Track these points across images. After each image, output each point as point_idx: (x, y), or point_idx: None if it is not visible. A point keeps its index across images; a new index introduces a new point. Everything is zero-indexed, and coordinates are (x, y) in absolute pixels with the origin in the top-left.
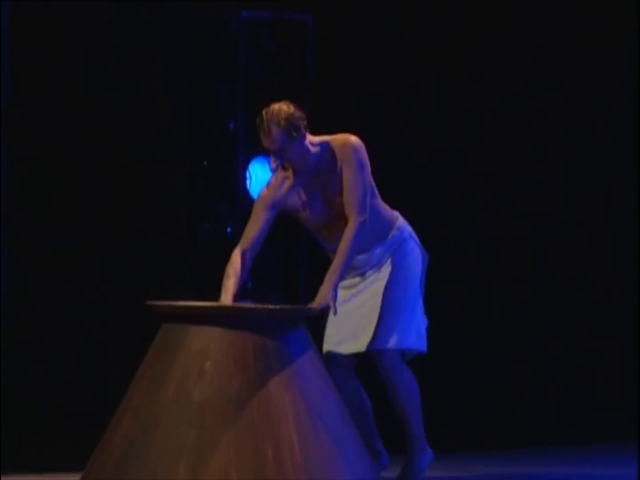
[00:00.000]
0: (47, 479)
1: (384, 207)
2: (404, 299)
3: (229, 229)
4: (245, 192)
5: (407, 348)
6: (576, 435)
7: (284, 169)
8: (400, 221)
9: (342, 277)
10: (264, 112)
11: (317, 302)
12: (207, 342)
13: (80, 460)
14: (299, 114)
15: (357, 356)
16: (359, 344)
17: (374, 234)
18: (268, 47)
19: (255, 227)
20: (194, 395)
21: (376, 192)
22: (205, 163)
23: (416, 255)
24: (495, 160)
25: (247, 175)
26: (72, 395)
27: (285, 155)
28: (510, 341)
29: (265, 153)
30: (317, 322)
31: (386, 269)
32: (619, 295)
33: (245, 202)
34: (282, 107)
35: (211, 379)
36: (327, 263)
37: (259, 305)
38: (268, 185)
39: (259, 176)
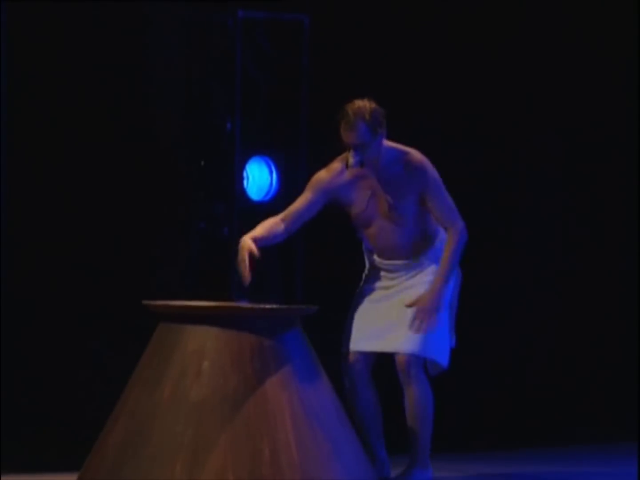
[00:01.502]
0: (47, 479)
1: (433, 220)
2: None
3: (225, 229)
4: (242, 192)
5: (430, 358)
6: (576, 435)
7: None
8: (442, 234)
9: (446, 283)
10: (347, 107)
11: (423, 303)
12: (203, 342)
13: (80, 460)
14: (381, 110)
15: (376, 358)
16: (383, 344)
17: (417, 244)
18: (264, 47)
19: (299, 202)
20: (190, 394)
21: None
22: (202, 163)
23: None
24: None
25: (244, 175)
26: (70, 395)
27: (365, 152)
28: (508, 341)
29: (262, 153)
30: (315, 322)
31: (422, 278)
32: (620, 295)
33: (242, 202)
34: (366, 103)
35: (208, 379)
36: (323, 263)
37: (256, 305)
38: (328, 168)
39: (256, 176)
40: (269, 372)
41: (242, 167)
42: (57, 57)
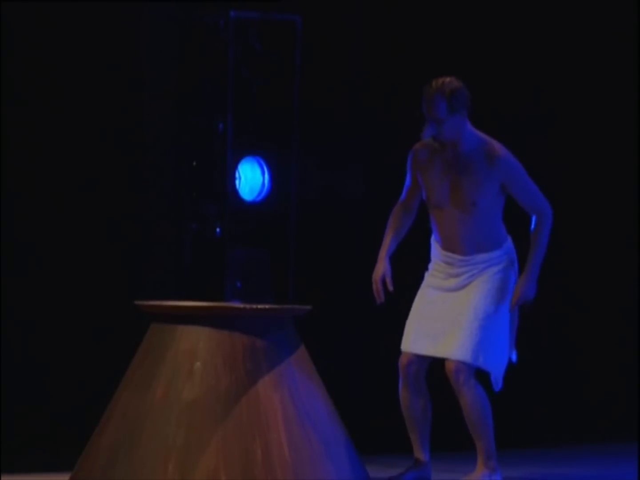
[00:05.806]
0: (47, 479)
1: (500, 221)
2: (492, 318)
3: (217, 229)
4: (234, 192)
5: (481, 367)
6: (576, 435)
7: (436, 142)
8: (509, 242)
9: (538, 271)
10: (433, 81)
11: (518, 298)
12: (195, 342)
13: (77, 460)
14: (466, 92)
15: (431, 360)
16: (436, 349)
17: (479, 240)
18: (257, 48)
19: (408, 182)
20: (182, 395)
21: (503, 202)
22: (194, 163)
23: (514, 284)
24: None
25: (236, 175)
26: (65, 396)
27: (439, 128)
28: None
29: (254, 153)
30: (309, 322)
31: (483, 284)
32: (620, 296)
33: (234, 203)
34: (453, 81)
35: (200, 379)
36: (315, 264)
37: (248, 305)
38: (421, 142)
39: (248, 176)
40: (261, 372)
41: (234, 168)
42: (49, 56)
